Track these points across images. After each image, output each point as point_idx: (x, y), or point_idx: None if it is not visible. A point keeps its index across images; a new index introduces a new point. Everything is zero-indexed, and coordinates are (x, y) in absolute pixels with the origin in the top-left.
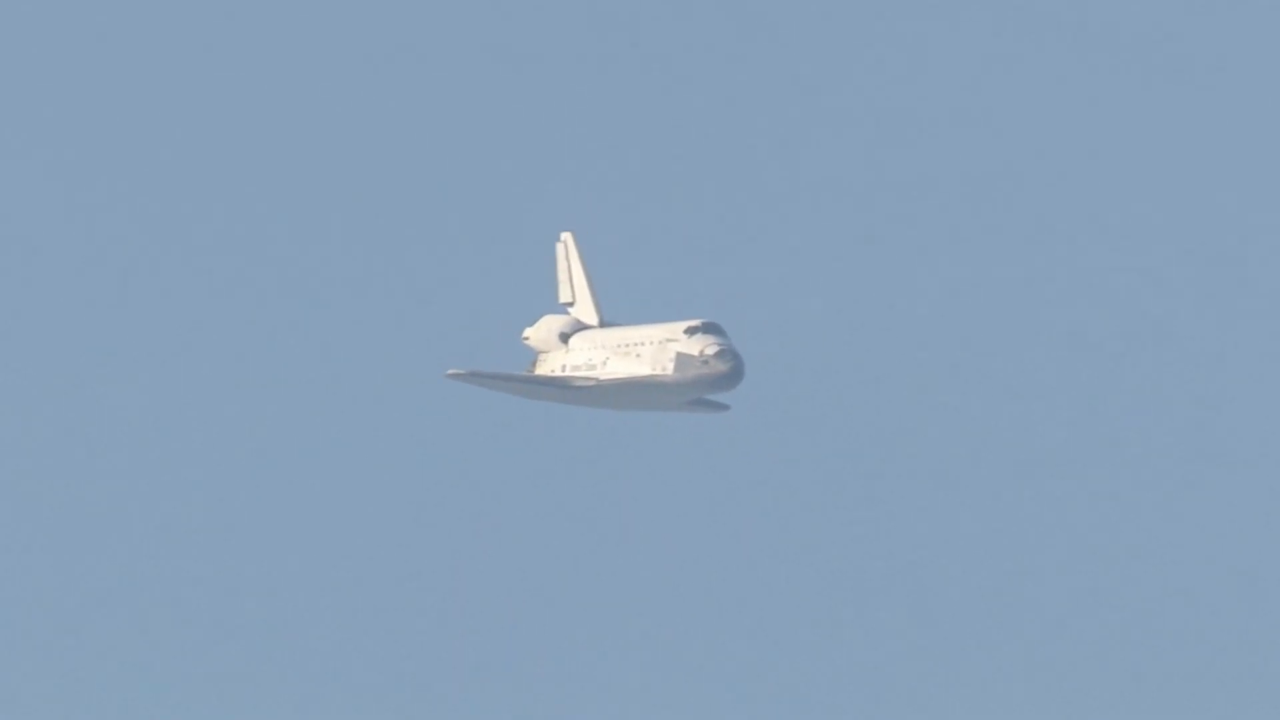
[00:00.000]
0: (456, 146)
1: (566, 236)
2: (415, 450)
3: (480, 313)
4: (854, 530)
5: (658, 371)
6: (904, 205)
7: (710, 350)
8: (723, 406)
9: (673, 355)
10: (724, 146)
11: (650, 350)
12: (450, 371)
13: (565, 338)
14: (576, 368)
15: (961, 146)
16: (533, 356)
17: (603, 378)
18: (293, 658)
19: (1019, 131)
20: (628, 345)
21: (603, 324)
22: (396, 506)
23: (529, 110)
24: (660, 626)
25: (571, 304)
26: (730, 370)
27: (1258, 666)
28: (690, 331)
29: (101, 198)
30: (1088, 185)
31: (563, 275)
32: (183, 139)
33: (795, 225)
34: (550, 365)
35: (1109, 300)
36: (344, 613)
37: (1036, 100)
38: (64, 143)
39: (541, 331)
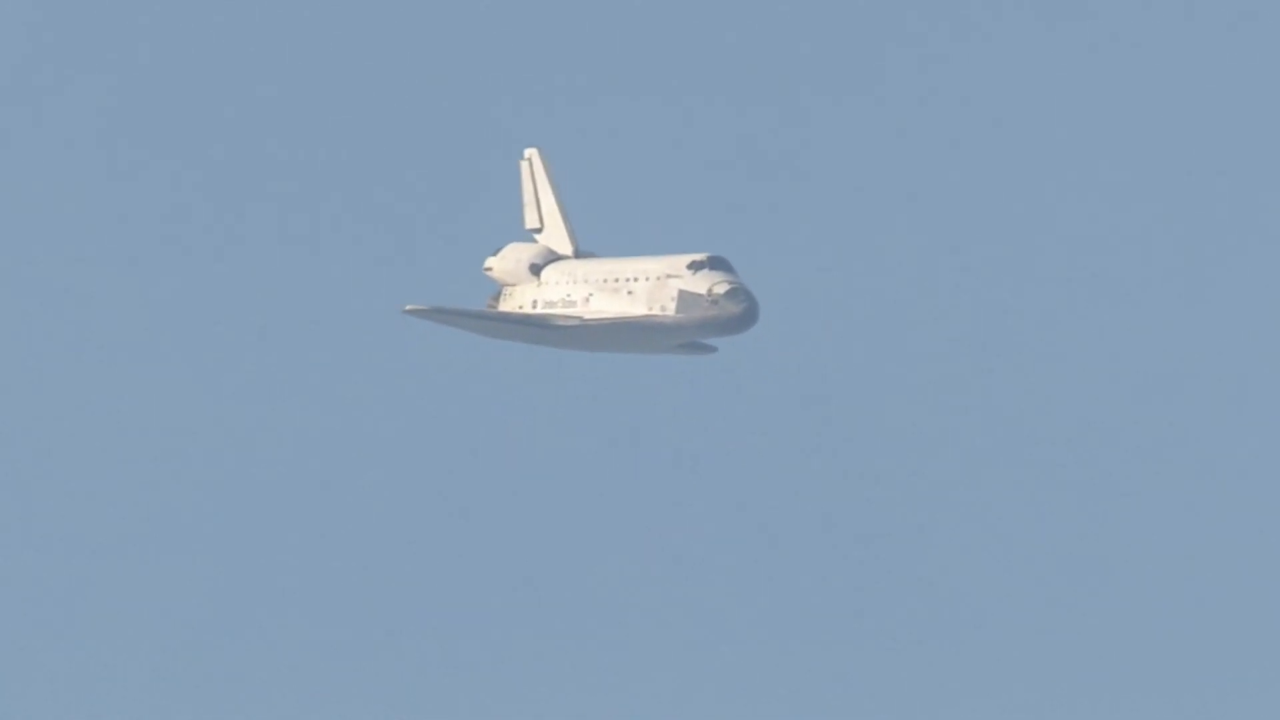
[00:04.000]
0: (405, 49)
1: (531, 153)
2: (371, 394)
3: (433, 239)
4: (845, 487)
5: (655, 311)
6: (938, 157)
7: (720, 289)
8: (710, 348)
9: (674, 293)
10: (718, 43)
11: (646, 287)
12: (409, 307)
13: (536, 269)
14: (552, 304)
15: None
16: (495, 289)
17: (588, 317)
18: (248, 618)
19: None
20: (617, 280)
21: (578, 254)
22: (354, 457)
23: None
24: (646, 598)
25: (539, 230)
26: (743, 312)
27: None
28: (695, 267)
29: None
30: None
31: (528, 198)
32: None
33: (804, 145)
34: (518, 300)
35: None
36: (298, 577)
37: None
38: None
39: (507, 261)
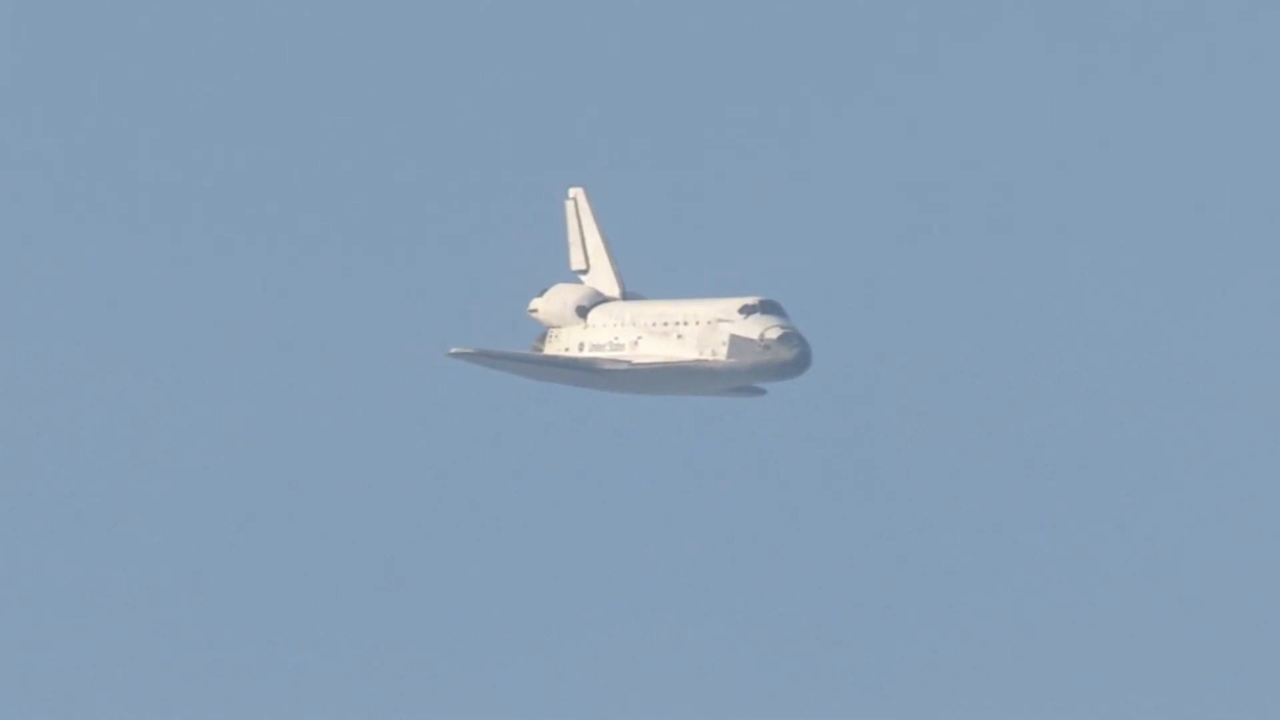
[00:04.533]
0: (450, 91)
1: (576, 193)
2: (417, 437)
3: (479, 281)
4: (890, 528)
5: (706, 356)
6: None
7: (772, 334)
8: (759, 391)
9: (726, 338)
10: (762, 88)
11: (697, 331)
12: (454, 350)
13: (583, 311)
14: (599, 347)
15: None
16: (541, 331)
17: (637, 361)
18: (280, 644)
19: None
20: (666, 324)
21: (625, 296)
22: (398, 498)
23: (533, 46)
24: (673, 631)
25: (585, 271)
26: (796, 357)
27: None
28: (746, 311)
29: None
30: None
31: (574, 238)
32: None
33: (848, 186)
34: (564, 342)
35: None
36: (338, 609)
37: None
38: None
39: (553, 303)
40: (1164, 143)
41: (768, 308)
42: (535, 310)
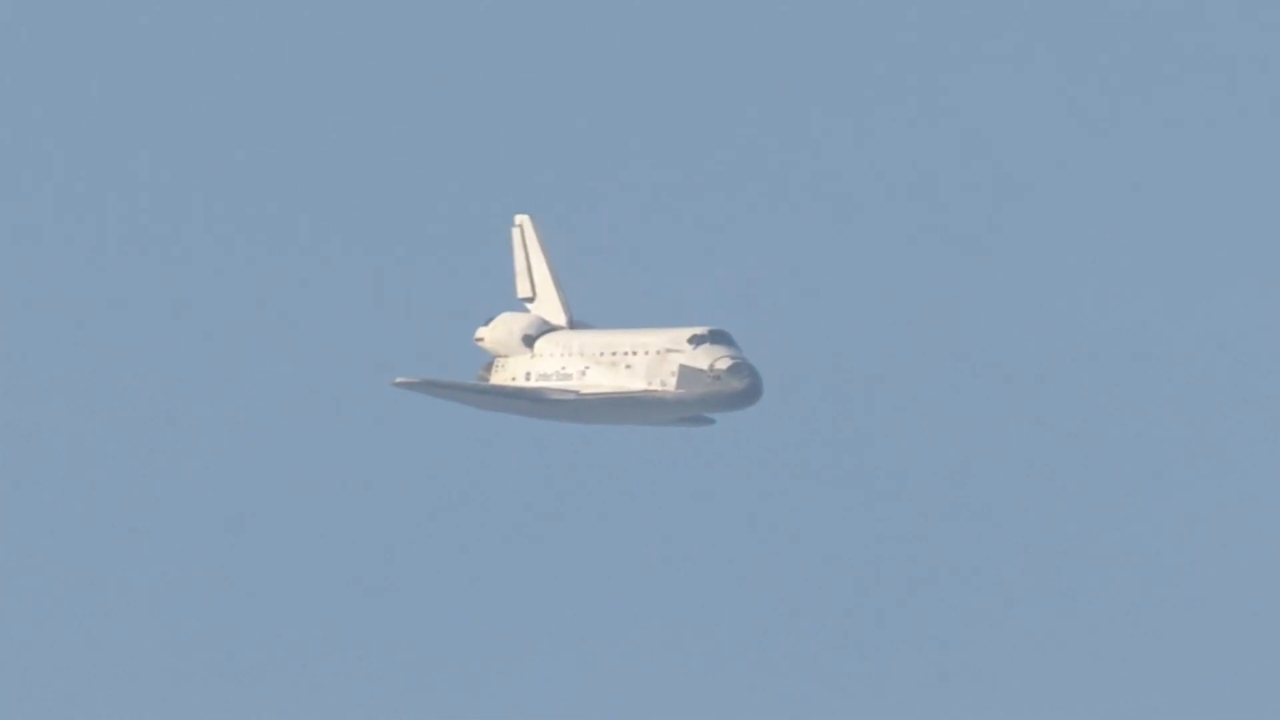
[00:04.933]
0: (397, 114)
1: (523, 220)
2: (361, 468)
3: (423, 309)
4: (854, 556)
5: (655, 386)
6: (908, 200)
7: (722, 364)
8: (708, 420)
9: (675, 368)
10: (709, 118)
11: (645, 361)
12: (398, 380)
13: (530, 340)
14: (546, 376)
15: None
16: (487, 360)
17: (585, 391)
18: (210, 685)
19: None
20: (615, 354)
21: (572, 325)
22: (343, 530)
23: (478, 70)
24: (627, 663)
25: (531, 299)
26: (747, 388)
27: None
28: (696, 341)
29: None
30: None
31: (520, 266)
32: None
33: (785, 213)
34: (510, 372)
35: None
36: (272, 647)
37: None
38: None
39: (499, 332)
40: (1164, 145)
41: (717, 337)
42: (481, 339)
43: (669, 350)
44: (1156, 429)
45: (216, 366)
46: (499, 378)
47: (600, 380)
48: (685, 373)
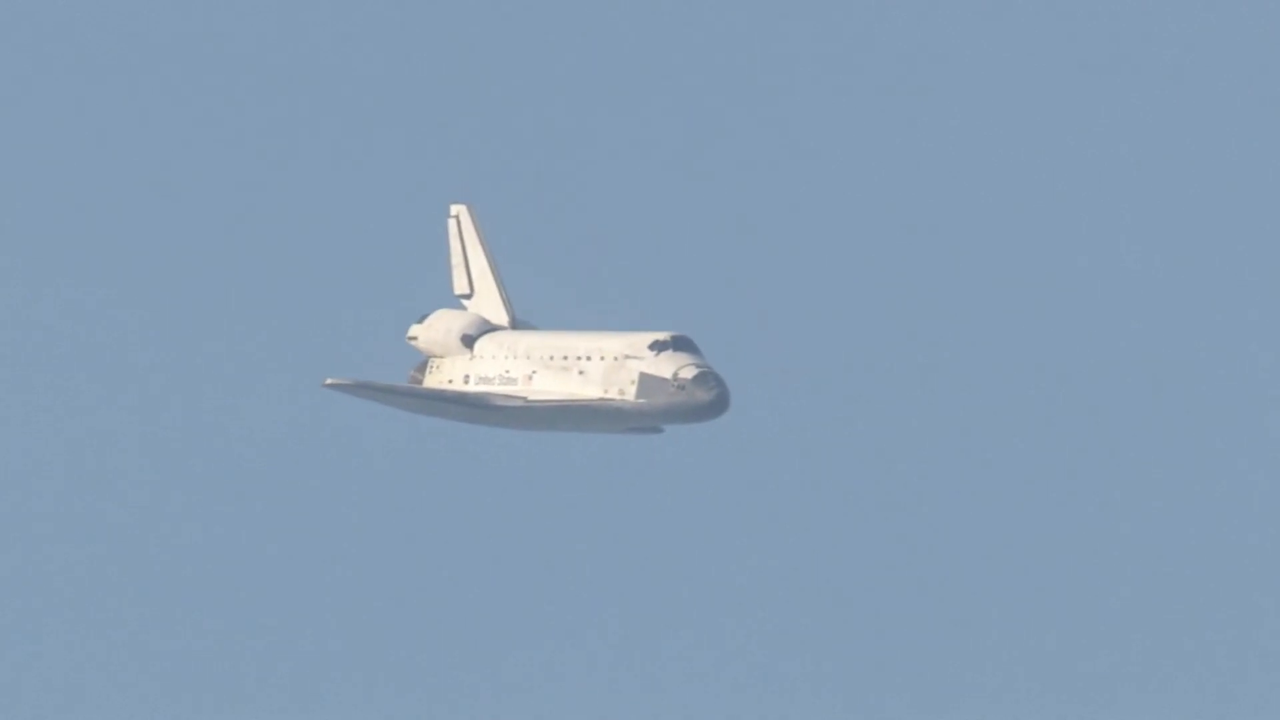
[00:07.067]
0: (326, 96)
1: (459, 210)
2: (290, 474)
3: (350, 305)
4: (793, 572)
5: (613, 395)
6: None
7: (687, 373)
8: (656, 429)
9: (635, 376)
10: (667, 100)
11: (601, 367)
12: (329, 381)
13: (469, 340)
14: (488, 379)
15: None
16: (420, 360)
17: (533, 398)
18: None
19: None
20: (566, 358)
21: (515, 324)
22: (273, 539)
23: (414, 46)
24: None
25: (469, 296)
26: (714, 399)
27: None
28: (658, 347)
29: None
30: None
31: (456, 259)
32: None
33: (762, 209)
34: (447, 374)
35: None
36: (193, 657)
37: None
38: None
39: (435, 330)
40: (1163, 141)
41: (680, 344)
42: (415, 338)
43: (628, 357)
44: (1143, 431)
45: (137, 368)
46: (435, 379)
47: (550, 386)
48: (646, 381)
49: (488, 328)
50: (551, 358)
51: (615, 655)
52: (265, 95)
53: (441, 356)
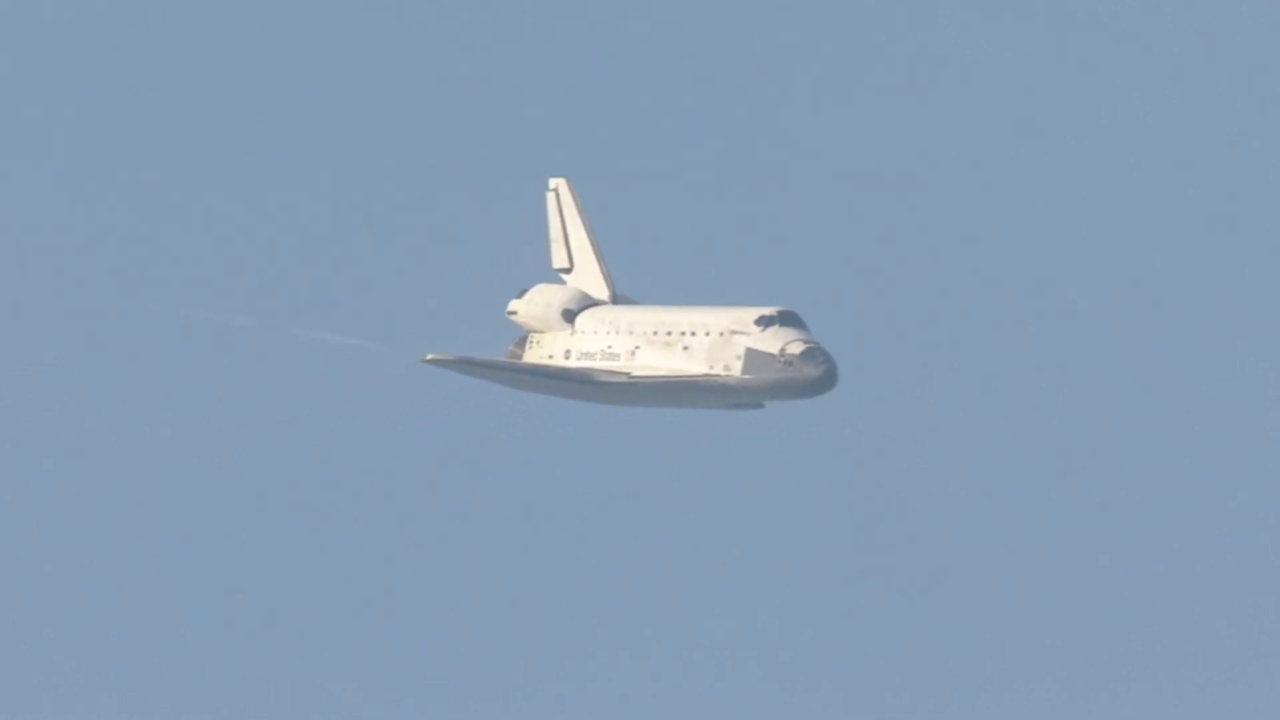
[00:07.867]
0: (424, 75)
1: (558, 184)
2: (389, 450)
3: (449, 281)
4: (895, 552)
5: (719, 371)
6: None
7: (794, 349)
8: (757, 405)
9: (741, 352)
10: (769, 75)
11: (706, 343)
12: (428, 356)
13: (570, 315)
14: (589, 355)
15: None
16: (519, 335)
17: (637, 374)
18: (240, 656)
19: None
20: (670, 333)
21: (615, 300)
22: (371, 516)
23: (512, 26)
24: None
25: (568, 270)
26: (822, 375)
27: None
28: (764, 322)
29: None
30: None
31: (555, 234)
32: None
33: (865, 184)
34: (547, 349)
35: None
36: (300, 625)
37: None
38: None
39: (534, 305)
40: (1163, 139)
41: (787, 319)
42: (514, 313)
43: (734, 332)
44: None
45: (234, 340)
46: (534, 354)
47: (654, 362)
48: (753, 357)
49: (588, 302)
50: (655, 333)
51: (713, 632)
52: (367, 71)
53: (541, 331)
